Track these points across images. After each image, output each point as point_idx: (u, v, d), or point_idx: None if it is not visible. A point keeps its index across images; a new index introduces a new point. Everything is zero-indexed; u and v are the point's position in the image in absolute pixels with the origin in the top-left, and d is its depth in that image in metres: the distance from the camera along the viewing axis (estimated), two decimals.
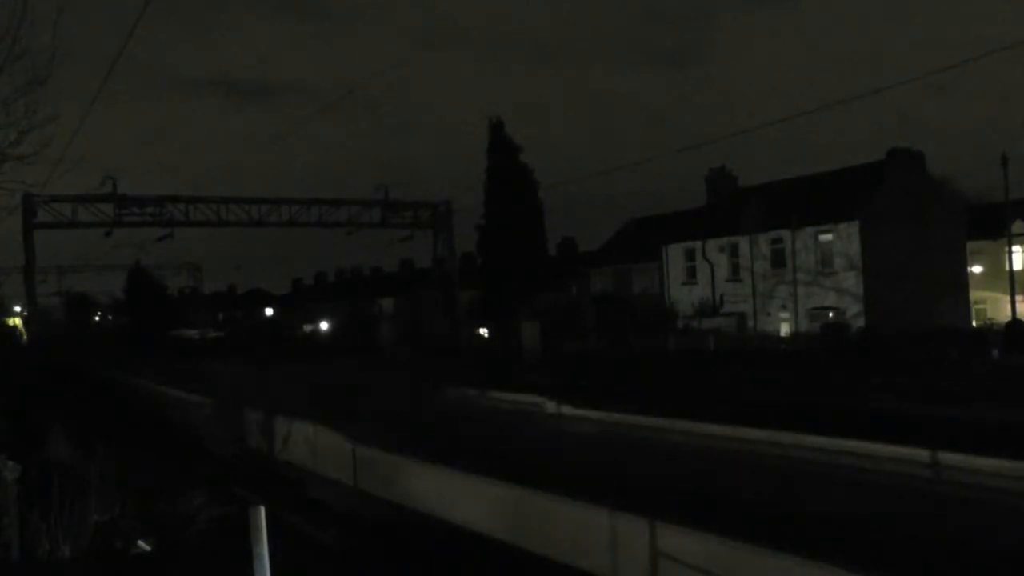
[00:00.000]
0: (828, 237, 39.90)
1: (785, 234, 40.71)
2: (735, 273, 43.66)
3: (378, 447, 12.56)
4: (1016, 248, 40.86)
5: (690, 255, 46.07)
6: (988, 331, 32.30)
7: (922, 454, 10.99)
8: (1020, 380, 20.09)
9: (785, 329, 40.59)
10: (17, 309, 74.47)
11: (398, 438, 12.76)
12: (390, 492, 11.82)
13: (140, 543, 9.02)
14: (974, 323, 42.00)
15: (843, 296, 38.83)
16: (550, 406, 17.89)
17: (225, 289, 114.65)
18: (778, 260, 41.49)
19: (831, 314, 39.16)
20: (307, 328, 79.62)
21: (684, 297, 45.21)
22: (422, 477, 11.32)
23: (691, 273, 45.99)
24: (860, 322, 36.80)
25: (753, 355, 31.66)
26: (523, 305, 43.19)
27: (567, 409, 17.19)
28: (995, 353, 26.55)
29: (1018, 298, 37.88)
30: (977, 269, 44.80)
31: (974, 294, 43.56)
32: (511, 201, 45.45)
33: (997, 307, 43.44)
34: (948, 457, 10.75)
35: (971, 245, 43.53)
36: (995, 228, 41.00)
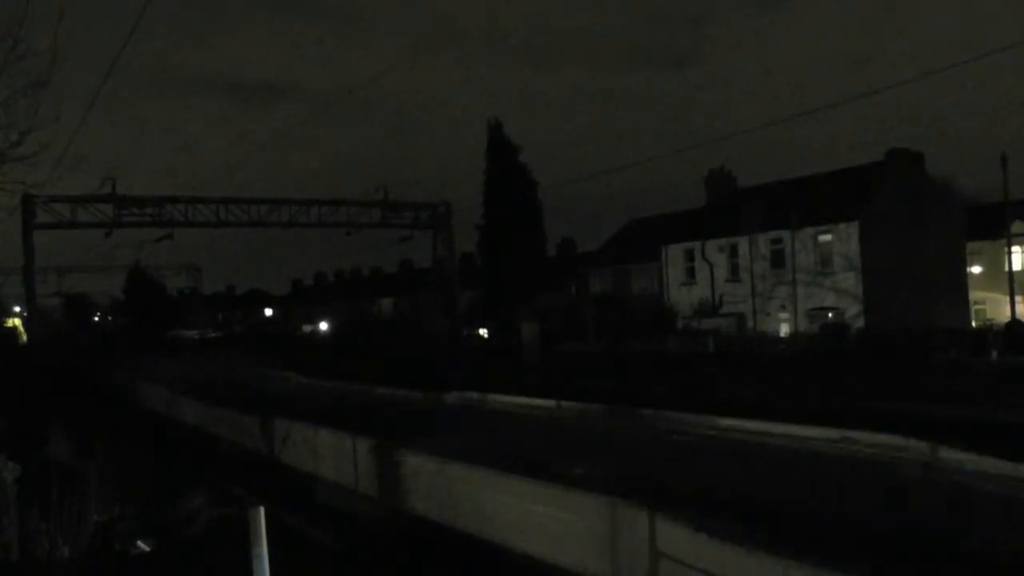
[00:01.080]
0: (827, 237, 39.90)
1: (784, 234, 40.71)
2: (734, 273, 43.67)
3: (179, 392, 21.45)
4: (1015, 248, 40.86)
5: (689, 255, 46.07)
6: (988, 332, 32.28)
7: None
8: (1019, 381, 20.08)
9: (784, 329, 40.59)
10: (17, 310, 74.50)
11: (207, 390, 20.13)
12: (174, 413, 20.94)
13: (140, 543, 9.03)
14: (973, 323, 42.00)
15: (842, 296, 38.83)
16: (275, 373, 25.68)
17: (224, 290, 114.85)
18: (777, 260, 41.49)
19: (830, 314, 39.16)
20: (307, 328, 79.63)
21: (683, 297, 45.23)
22: (184, 405, 20.21)
23: (690, 273, 46.00)
24: (859, 322, 36.80)
25: (751, 356, 31.64)
26: (522, 305, 43.21)
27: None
28: (994, 354, 26.53)
29: (1017, 299, 37.88)
30: (976, 269, 44.80)
31: (973, 294, 43.56)
32: (510, 201, 45.50)
33: (996, 307, 43.45)
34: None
35: (970, 245, 43.53)
36: (994, 228, 41.02)
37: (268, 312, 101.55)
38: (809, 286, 40.09)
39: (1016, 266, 40.39)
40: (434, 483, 9.26)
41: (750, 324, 41.30)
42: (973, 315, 43.54)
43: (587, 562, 7.00)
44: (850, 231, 38.74)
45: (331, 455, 11.83)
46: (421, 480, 9.52)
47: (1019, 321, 34.19)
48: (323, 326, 75.17)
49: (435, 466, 9.28)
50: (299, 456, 12.94)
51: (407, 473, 9.77)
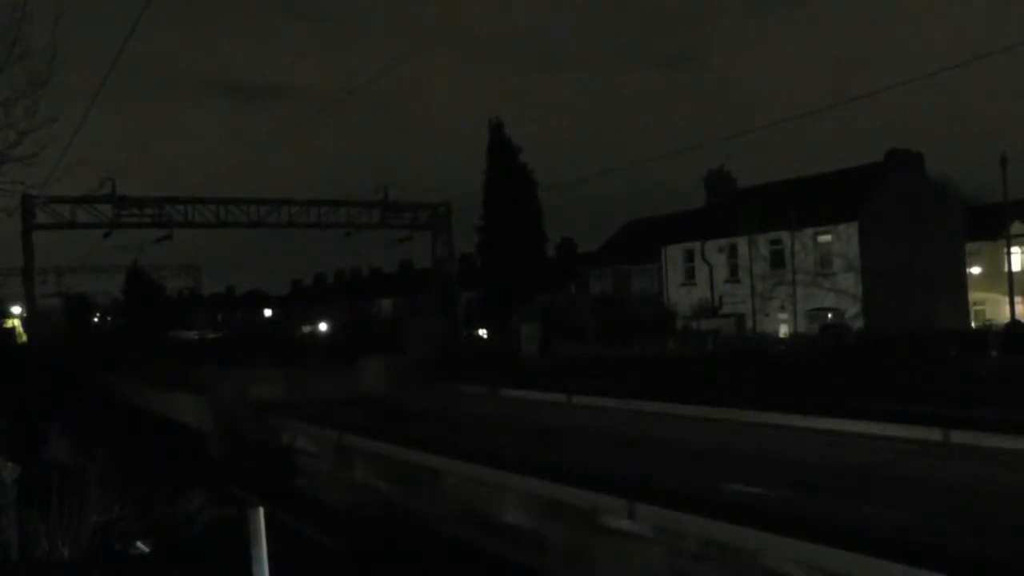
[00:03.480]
0: (827, 238, 39.91)
1: (784, 235, 40.72)
2: (734, 274, 43.67)
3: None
4: (1015, 249, 40.88)
5: (689, 256, 46.06)
6: (987, 332, 32.30)
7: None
8: (1018, 381, 20.06)
9: (784, 330, 40.60)
10: (16, 310, 74.50)
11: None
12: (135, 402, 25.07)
13: (139, 544, 9.02)
14: (973, 324, 42.00)
15: (842, 297, 38.85)
16: None
17: (224, 290, 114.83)
18: (777, 261, 41.50)
19: (830, 315, 39.18)
20: (306, 329, 79.58)
21: (683, 298, 45.22)
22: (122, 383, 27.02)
23: (690, 274, 46.00)
24: (859, 323, 36.82)
25: (750, 357, 31.62)
26: (522, 306, 43.19)
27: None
28: (994, 354, 26.55)
29: (1017, 299, 37.91)
30: (976, 270, 44.80)
31: (973, 295, 43.55)
32: (511, 202, 45.48)
33: (996, 308, 43.45)
34: None
35: (970, 246, 43.53)
36: (994, 229, 41.03)
37: (268, 312, 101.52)
38: (808, 287, 40.10)
39: (1016, 267, 40.41)
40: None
41: (750, 325, 41.31)
42: (973, 316, 43.54)
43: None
44: (850, 232, 38.74)
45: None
46: None
47: (1019, 322, 34.25)
48: (323, 327, 75.16)
49: None
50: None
51: None
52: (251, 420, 16.02)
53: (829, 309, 39.43)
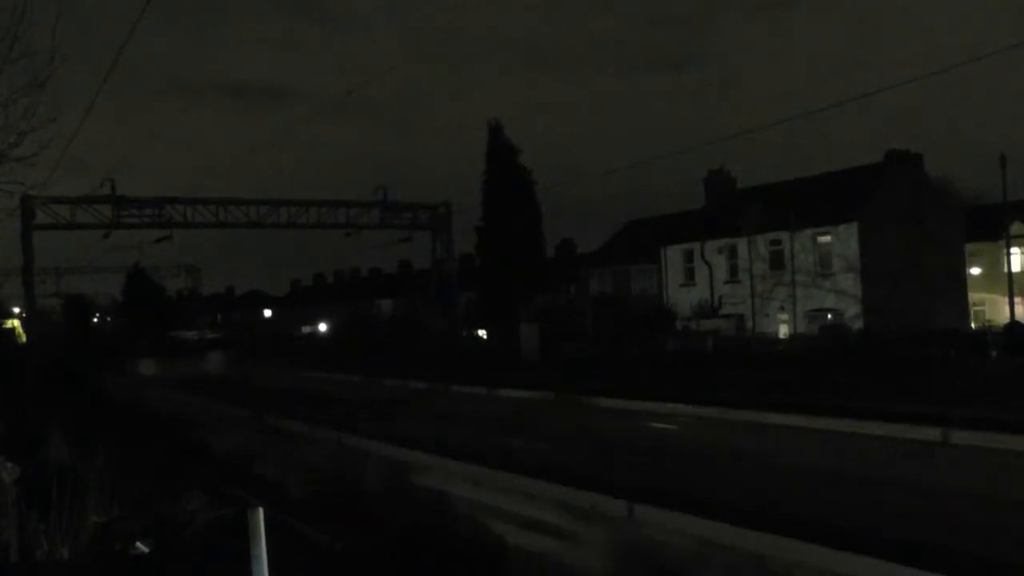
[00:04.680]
0: (827, 239, 39.88)
1: (784, 236, 40.69)
2: (734, 275, 43.65)
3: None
4: (1014, 250, 40.86)
5: (688, 257, 46.04)
6: (987, 333, 32.26)
7: None
8: (1017, 381, 20.06)
9: (784, 331, 40.57)
10: (16, 311, 74.52)
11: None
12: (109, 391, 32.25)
13: (139, 544, 9.02)
14: (972, 325, 41.98)
15: (841, 298, 38.83)
16: None
17: (224, 291, 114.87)
18: (777, 262, 41.47)
19: (830, 315, 39.14)
20: (306, 329, 79.63)
21: (683, 298, 45.20)
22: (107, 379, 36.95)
23: (690, 274, 45.98)
24: (859, 324, 36.78)
25: (749, 357, 31.63)
26: (522, 306, 43.16)
27: None
28: (993, 354, 26.53)
29: (1016, 300, 37.88)
30: (975, 271, 44.78)
31: (972, 296, 43.53)
32: (510, 202, 45.41)
33: (996, 309, 43.43)
34: None
35: (969, 247, 43.51)
36: (994, 230, 41.01)
37: (267, 313, 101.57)
38: (808, 287, 40.08)
39: (1015, 267, 40.39)
40: None
41: (749, 325, 41.29)
42: (972, 316, 43.52)
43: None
44: (849, 232, 38.72)
45: None
46: None
47: (1018, 322, 34.18)
48: (322, 327, 75.18)
49: None
50: None
51: None
52: (141, 386, 31.19)
53: (829, 310, 39.40)
